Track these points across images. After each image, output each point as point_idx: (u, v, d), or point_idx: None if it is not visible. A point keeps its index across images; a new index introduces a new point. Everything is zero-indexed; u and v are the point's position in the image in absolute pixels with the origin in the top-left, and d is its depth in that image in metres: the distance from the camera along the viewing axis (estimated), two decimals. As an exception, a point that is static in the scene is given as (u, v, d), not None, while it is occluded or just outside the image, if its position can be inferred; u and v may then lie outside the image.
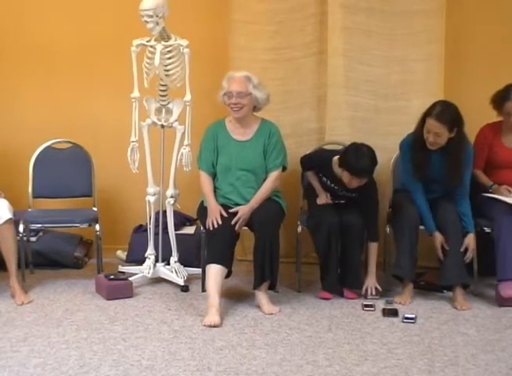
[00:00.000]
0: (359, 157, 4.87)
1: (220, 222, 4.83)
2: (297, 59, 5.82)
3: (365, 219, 5.03)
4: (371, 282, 5.04)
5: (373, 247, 5.07)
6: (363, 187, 5.01)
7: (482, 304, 4.95)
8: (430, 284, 5.22)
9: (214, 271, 4.75)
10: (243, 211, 4.91)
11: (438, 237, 4.94)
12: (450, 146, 4.91)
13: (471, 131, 5.14)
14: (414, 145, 4.99)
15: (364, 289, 5.03)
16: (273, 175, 5.04)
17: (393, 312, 4.73)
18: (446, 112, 4.82)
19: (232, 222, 4.86)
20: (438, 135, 4.83)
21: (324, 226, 4.92)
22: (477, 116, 5.28)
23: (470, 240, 4.94)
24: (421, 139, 4.93)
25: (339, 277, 5.03)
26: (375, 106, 5.27)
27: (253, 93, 4.97)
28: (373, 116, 5.26)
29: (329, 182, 5.14)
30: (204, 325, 4.58)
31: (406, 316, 4.65)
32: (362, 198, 5.07)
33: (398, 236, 4.98)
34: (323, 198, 5.12)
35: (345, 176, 4.94)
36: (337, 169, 5.04)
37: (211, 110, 5.70)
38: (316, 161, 5.27)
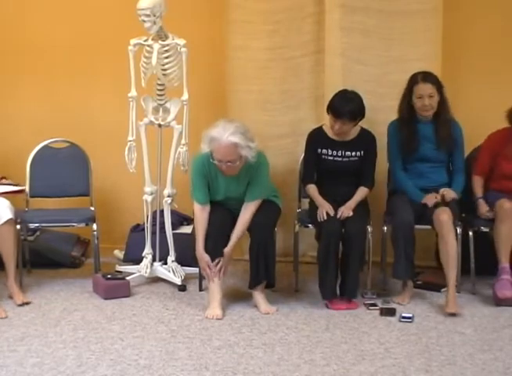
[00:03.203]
0: (343, 98, 5.01)
1: (211, 275, 4.82)
2: (294, 58, 5.81)
3: (363, 168, 5.10)
4: (345, 208, 4.94)
5: (362, 191, 5.08)
6: (366, 143, 5.10)
7: (479, 303, 4.95)
8: (428, 283, 5.23)
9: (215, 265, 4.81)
10: (227, 254, 4.82)
11: (429, 198, 4.98)
12: (439, 114, 5.06)
13: (470, 128, 5.14)
14: (401, 123, 5.12)
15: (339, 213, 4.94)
16: (251, 208, 4.85)
17: (390, 312, 4.73)
18: (429, 75, 5.08)
19: (217, 270, 4.80)
20: (431, 95, 5.01)
21: (324, 235, 4.85)
22: (475, 116, 5.29)
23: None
24: (407, 114, 5.08)
25: (339, 285, 4.96)
26: (372, 106, 5.26)
27: (243, 155, 4.68)
28: (370, 115, 5.25)
29: (329, 150, 5.10)
30: (207, 317, 4.66)
31: (403, 315, 4.65)
32: (366, 154, 5.11)
33: (394, 239, 4.95)
34: (326, 208, 4.90)
35: (330, 121, 5.04)
36: (329, 130, 5.13)
37: (209, 110, 5.70)
38: (310, 145, 5.20)
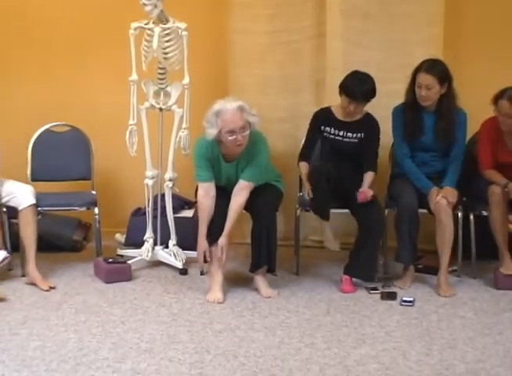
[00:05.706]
0: (357, 79, 4.99)
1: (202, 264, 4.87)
2: (295, 42, 5.80)
3: (365, 153, 5.10)
4: (364, 191, 4.94)
5: (370, 175, 5.06)
6: (368, 126, 5.10)
7: (480, 287, 4.96)
8: (429, 267, 5.23)
9: (215, 250, 4.78)
10: (222, 242, 4.77)
11: (434, 192, 4.88)
12: (442, 105, 4.96)
13: (471, 112, 5.11)
14: (406, 107, 5.05)
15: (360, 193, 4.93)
16: (243, 191, 4.78)
17: (391, 296, 4.74)
18: (435, 65, 4.92)
19: (218, 258, 4.78)
20: (428, 87, 4.88)
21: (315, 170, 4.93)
22: (477, 99, 5.26)
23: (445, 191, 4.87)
24: (412, 100, 4.99)
25: (348, 265, 4.96)
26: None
27: (250, 121, 4.68)
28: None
29: (332, 129, 5.10)
30: (208, 301, 4.67)
31: (404, 299, 4.66)
32: (367, 138, 5.11)
33: (399, 223, 4.94)
34: (307, 189, 4.98)
35: (343, 102, 5.02)
36: (337, 111, 5.14)
37: (209, 93, 5.67)
38: (314, 123, 5.20)
